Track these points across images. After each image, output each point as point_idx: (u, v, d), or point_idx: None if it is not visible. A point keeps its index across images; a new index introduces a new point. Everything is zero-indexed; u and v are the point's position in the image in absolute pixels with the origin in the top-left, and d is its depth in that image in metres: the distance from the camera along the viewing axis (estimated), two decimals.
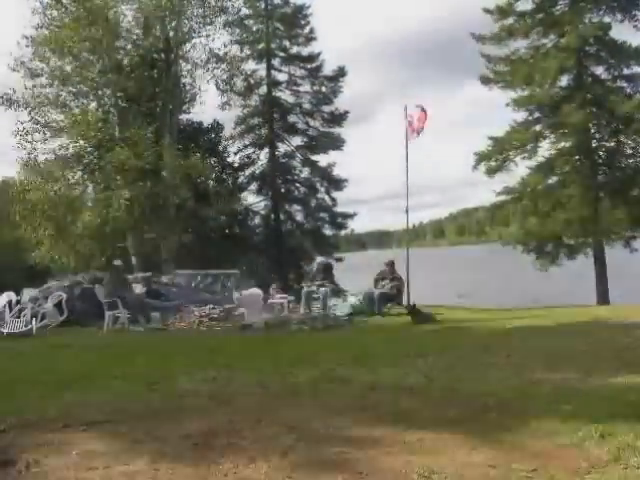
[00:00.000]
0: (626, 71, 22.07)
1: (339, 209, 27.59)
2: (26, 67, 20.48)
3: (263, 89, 27.00)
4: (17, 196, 20.95)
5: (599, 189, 22.33)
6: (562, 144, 22.83)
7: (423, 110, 14.89)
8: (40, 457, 4.10)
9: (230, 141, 26.72)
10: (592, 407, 4.68)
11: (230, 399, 5.63)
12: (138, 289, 14.69)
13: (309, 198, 27.62)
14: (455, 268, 54.13)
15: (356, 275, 21.77)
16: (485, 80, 23.22)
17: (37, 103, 20.42)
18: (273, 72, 27.05)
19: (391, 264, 14.56)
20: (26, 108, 20.36)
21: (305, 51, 27.00)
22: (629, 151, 22.76)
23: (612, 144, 22.72)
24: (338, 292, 14.95)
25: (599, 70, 22.55)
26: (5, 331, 12.32)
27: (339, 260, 27.18)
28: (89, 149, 21.31)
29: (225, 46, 22.49)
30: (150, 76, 22.30)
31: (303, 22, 26.83)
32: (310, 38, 26.78)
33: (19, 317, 13.31)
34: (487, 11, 23.01)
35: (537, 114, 22.95)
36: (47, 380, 7.03)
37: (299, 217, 27.96)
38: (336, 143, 26.97)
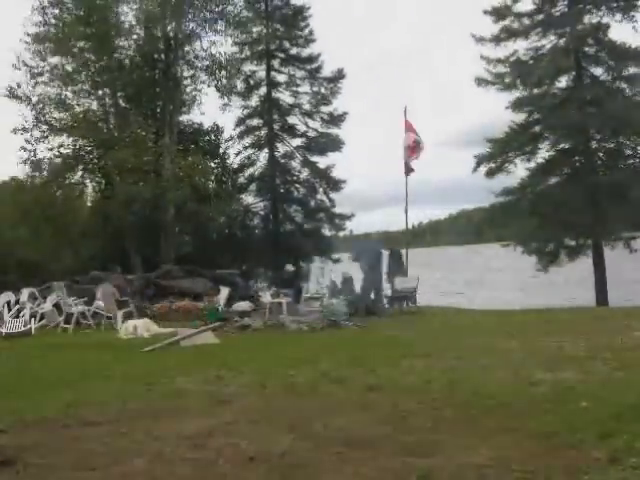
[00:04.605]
0: (625, 72, 22.02)
1: (341, 209, 27.54)
2: (28, 66, 20.33)
3: (263, 90, 27.02)
4: (17, 195, 20.92)
5: (598, 190, 22.27)
6: (562, 145, 22.81)
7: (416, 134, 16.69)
8: (40, 457, 4.10)
9: (230, 142, 26.72)
10: (591, 407, 4.68)
11: (230, 399, 5.63)
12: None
13: (308, 199, 27.61)
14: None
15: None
16: (481, 82, 23.10)
17: (39, 100, 20.35)
18: (273, 73, 27.07)
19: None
20: (28, 105, 20.30)
21: (305, 52, 27.02)
22: (629, 152, 22.75)
23: (611, 145, 22.70)
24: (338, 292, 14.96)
25: (598, 71, 22.53)
26: (4, 331, 12.31)
27: (337, 261, 27.19)
28: (89, 149, 21.28)
29: (222, 45, 22.39)
30: (151, 76, 22.27)
31: (303, 24, 26.84)
32: (310, 39, 26.79)
33: (18, 317, 13.34)
34: (486, 12, 22.92)
35: (536, 115, 22.91)
36: (47, 380, 7.04)
37: (298, 218, 27.94)
38: (335, 144, 26.94)
